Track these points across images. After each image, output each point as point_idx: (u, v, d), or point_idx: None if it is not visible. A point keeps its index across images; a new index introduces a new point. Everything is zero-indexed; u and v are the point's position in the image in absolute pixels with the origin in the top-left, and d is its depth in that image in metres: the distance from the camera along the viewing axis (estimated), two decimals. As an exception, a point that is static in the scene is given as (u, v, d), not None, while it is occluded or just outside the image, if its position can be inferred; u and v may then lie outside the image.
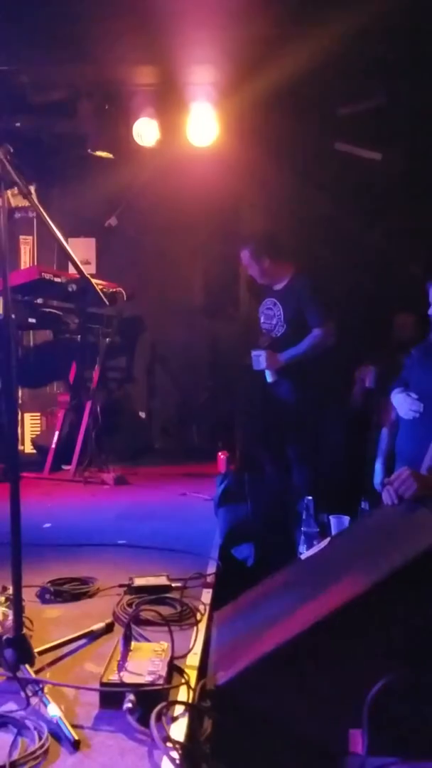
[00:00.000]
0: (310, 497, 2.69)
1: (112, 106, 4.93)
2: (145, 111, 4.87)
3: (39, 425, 5.46)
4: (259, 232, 4.47)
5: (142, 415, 5.88)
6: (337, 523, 2.69)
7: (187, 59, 4.29)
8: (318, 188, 5.03)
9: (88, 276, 2.91)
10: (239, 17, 3.78)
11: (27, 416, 5.45)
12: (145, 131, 4.96)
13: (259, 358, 4.06)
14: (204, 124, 4.87)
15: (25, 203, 2.64)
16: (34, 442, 5.30)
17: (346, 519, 2.70)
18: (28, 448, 5.32)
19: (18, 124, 4.88)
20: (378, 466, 3.32)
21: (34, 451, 5.19)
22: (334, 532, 2.63)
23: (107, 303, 3.55)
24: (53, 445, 4.71)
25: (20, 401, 5.40)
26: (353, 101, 4.84)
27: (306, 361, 3.98)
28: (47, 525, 3.20)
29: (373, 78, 4.65)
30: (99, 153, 5.15)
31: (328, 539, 2.23)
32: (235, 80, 4.50)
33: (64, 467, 4.67)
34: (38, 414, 5.43)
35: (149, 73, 4.65)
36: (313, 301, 4.02)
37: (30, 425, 5.46)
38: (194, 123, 4.88)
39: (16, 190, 2.36)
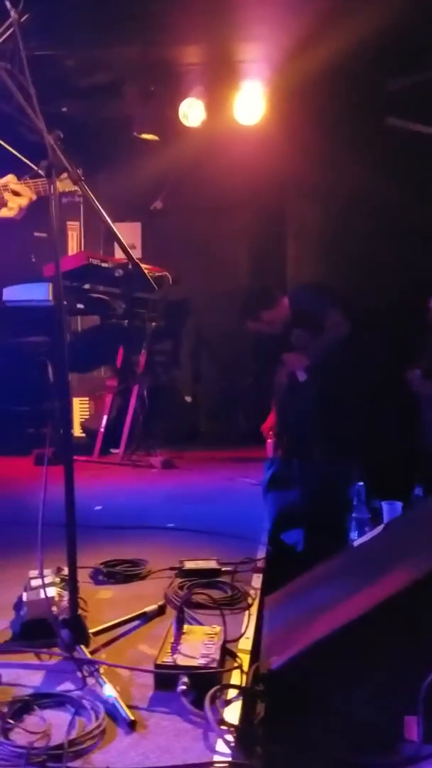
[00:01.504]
0: (361, 483, 2.65)
1: (159, 87, 4.90)
2: (192, 91, 4.83)
3: (87, 409, 5.53)
4: (242, 297, 4.57)
5: (188, 399, 5.89)
6: (389, 509, 2.65)
7: (238, 37, 4.22)
8: (370, 166, 4.92)
9: (137, 260, 2.92)
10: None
11: (76, 400, 5.52)
12: (191, 111, 4.92)
13: (287, 360, 4.17)
14: (252, 102, 4.80)
15: (72, 188, 2.66)
16: (83, 425, 5.38)
17: (399, 505, 2.66)
18: (77, 431, 5.40)
19: (64, 109, 4.89)
20: None
21: (83, 434, 5.26)
22: (386, 518, 2.59)
23: (155, 287, 3.56)
24: (102, 429, 4.77)
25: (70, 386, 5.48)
26: (406, 75, 4.69)
27: (332, 355, 4.03)
28: (98, 507, 3.25)
29: (427, 50, 4.49)
30: (145, 135, 5.13)
31: (382, 526, 2.20)
32: (287, 56, 4.41)
33: (113, 451, 4.73)
34: (87, 398, 5.50)
35: (198, 52, 4.60)
36: (314, 303, 4.19)
37: (79, 409, 5.53)
38: (241, 101, 4.82)
39: (64, 174, 2.38)
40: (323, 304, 4.17)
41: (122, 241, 2.22)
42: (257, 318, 4.30)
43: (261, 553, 2.51)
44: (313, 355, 4.12)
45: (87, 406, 5.52)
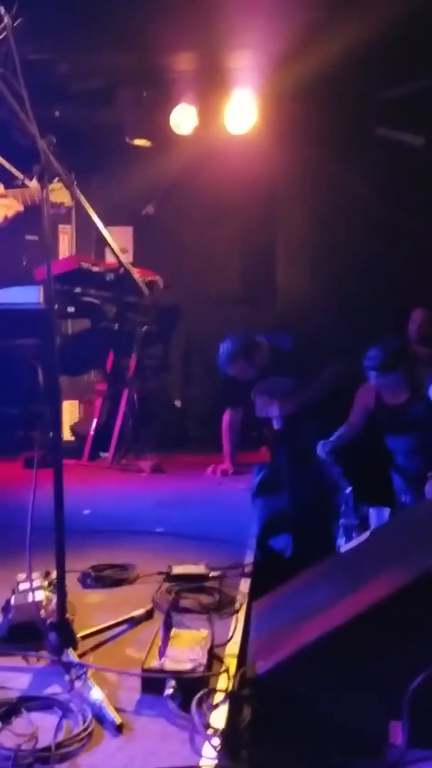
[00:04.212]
0: (349, 489, 2.67)
1: (151, 93, 4.92)
2: (184, 98, 4.85)
3: (77, 413, 5.52)
4: (241, 342, 4.37)
5: (178, 403, 5.89)
6: (376, 515, 2.67)
7: (229, 44, 4.24)
8: (359, 175, 4.96)
9: (128, 265, 2.92)
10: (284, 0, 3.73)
11: (65, 404, 5.51)
12: (183, 119, 4.94)
13: (268, 407, 4.09)
14: (243, 111, 4.82)
15: (58, 199, 2.67)
16: (72, 429, 5.36)
17: (387, 511, 2.68)
18: (66, 435, 5.38)
19: (57, 114, 4.90)
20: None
21: (73, 438, 5.25)
22: (373, 524, 2.61)
23: (146, 292, 3.56)
24: (91, 433, 4.77)
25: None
26: (396, 85, 4.73)
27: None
28: (87, 511, 3.25)
29: (418, 61, 4.54)
30: (137, 141, 5.15)
31: (369, 532, 2.22)
32: (278, 65, 4.43)
33: (102, 455, 4.72)
34: (76, 402, 5.48)
35: (190, 59, 4.61)
36: (314, 355, 4.13)
37: (68, 413, 5.52)
38: (233, 109, 4.84)
39: (54, 183, 2.39)
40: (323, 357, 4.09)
41: (112, 244, 2.23)
42: (254, 360, 4.17)
43: (249, 558, 2.52)
44: (297, 404, 4.03)
45: (77, 409, 5.51)
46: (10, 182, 2.57)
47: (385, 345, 3.40)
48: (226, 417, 4.43)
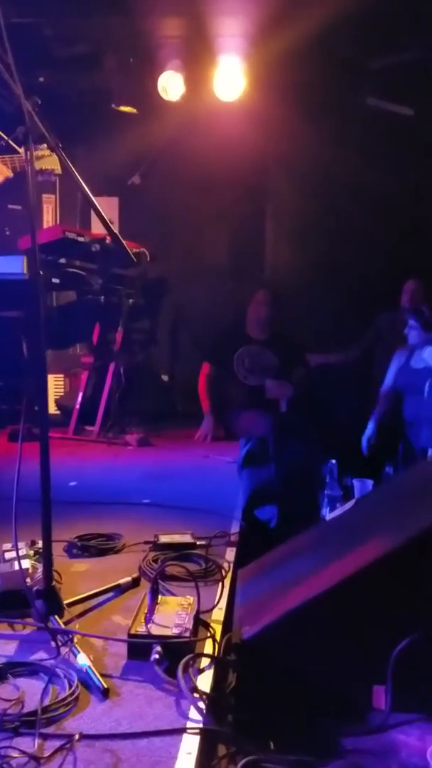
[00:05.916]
0: (334, 461, 2.69)
1: (138, 59, 4.81)
2: (171, 64, 4.74)
3: (62, 386, 5.48)
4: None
5: (165, 377, 5.87)
6: (360, 486, 2.70)
7: (216, 10, 4.15)
8: (348, 145, 4.91)
9: (116, 232, 2.88)
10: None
11: (50, 377, 5.46)
12: (170, 85, 4.84)
13: (281, 389, 4.30)
14: (231, 78, 4.74)
15: (48, 166, 2.61)
16: (57, 402, 5.33)
17: (370, 482, 2.71)
18: (51, 408, 5.35)
19: (41, 79, 4.78)
20: (371, 425, 3.47)
21: (58, 411, 5.22)
22: (357, 495, 2.63)
23: (134, 260, 3.51)
24: (77, 406, 4.74)
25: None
26: (386, 55, 4.67)
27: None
28: (73, 483, 3.24)
29: (407, 31, 4.48)
30: (123, 108, 5.05)
31: (354, 500, 2.23)
32: (265, 32, 4.35)
33: (88, 428, 4.70)
34: (62, 375, 5.44)
35: (176, 24, 4.51)
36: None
37: (53, 386, 5.49)
38: (221, 76, 4.75)
39: (40, 152, 2.33)
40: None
41: (101, 211, 2.19)
42: (276, 306, 4.35)
43: (235, 528, 2.53)
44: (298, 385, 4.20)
45: (62, 383, 5.47)
46: None
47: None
48: (204, 372, 4.54)
